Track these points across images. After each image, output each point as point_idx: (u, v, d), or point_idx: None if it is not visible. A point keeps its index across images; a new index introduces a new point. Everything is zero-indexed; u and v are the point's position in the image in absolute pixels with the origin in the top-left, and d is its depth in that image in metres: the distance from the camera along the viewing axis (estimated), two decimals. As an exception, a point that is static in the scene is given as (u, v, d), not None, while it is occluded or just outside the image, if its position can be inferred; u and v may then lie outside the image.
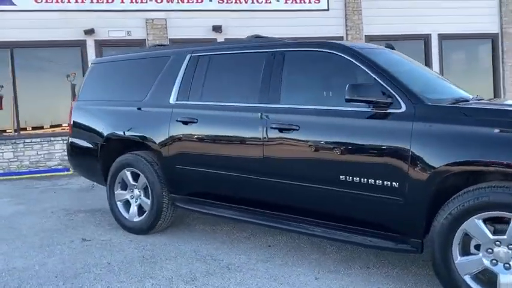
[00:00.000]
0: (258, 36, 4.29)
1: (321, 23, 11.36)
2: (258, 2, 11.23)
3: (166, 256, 4.02)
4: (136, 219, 4.64)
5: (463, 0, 12.10)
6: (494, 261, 2.77)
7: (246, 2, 11.17)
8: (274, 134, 3.62)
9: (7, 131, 10.15)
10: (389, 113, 3.16)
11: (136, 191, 4.66)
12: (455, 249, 2.85)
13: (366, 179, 3.20)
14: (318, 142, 3.42)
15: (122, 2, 10.45)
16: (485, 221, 2.76)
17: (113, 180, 4.77)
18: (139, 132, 4.56)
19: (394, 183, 3.07)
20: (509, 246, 2.71)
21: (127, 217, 4.71)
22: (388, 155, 3.09)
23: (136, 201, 4.66)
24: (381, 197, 3.15)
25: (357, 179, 3.23)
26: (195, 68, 4.29)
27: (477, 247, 2.82)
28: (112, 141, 4.80)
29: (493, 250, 2.76)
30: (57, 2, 10.03)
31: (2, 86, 10.01)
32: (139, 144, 4.66)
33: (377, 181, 3.15)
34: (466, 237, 2.85)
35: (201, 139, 4.11)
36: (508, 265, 2.73)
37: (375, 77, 3.27)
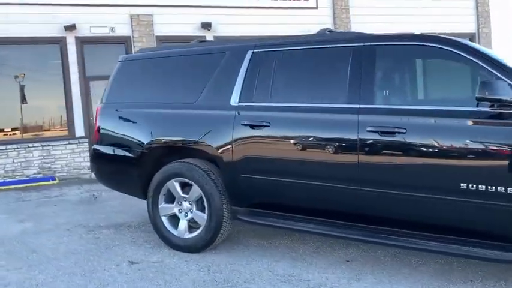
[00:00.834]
0: (330, 31, 3.91)
1: (310, 21, 11.10)
2: (247, -2, 10.82)
3: (241, 278, 3.55)
4: (188, 235, 4.12)
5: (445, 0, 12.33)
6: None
7: (235, -1, 10.73)
8: (372, 137, 3.26)
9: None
10: (516, 113, 2.89)
11: (186, 204, 4.13)
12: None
13: (491, 187, 2.91)
14: (430, 147, 3.09)
15: (106, -5, 9.68)
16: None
17: (156, 192, 4.21)
18: (193, 137, 4.05)
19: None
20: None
21: (175, 234, 4.17)
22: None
23: (186, 216, 4.14)
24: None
25: (482, 187, 2.94)
26: (260, 66, 3.84)
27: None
28: (156, 148, 4.25)
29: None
30: (34, -6, 9.11)
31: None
32: (190, 151, 4.15)
33: (506, 188, 2.87)
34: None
35: (275, 145, 3.67)
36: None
37: (497, 73, 2.98)
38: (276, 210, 3.79)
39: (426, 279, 3.41)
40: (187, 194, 4.10)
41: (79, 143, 9.49)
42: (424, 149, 3.10)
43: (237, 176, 3.82)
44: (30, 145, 9.21)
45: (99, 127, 4.63)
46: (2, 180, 8.66)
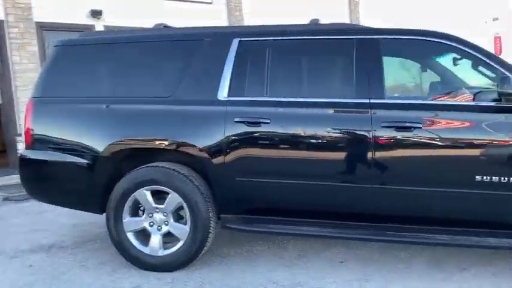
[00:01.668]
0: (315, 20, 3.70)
1: (204, 16, 10.79)
2: (142, -12, 10.02)
3: (248, 295, 3.15)
4: (164, 252, 3.53)
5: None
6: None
7: (129, -13, 9.83)
8: (388, 133, 3.16)
9: None
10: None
11: (159, 216, 3.53)
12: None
13: (504, 178, 3.04)
14: (448, 140, 3.10)
15: (-28, -30, 8.01)
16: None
17: (120, 205, 3.51)
18: (169, 137, 3.48)
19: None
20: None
21: (147, 252, 3.54)
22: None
23: (159, 229, 3.54)
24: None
25: (495, 178, 3.05)
26: (250, 57, 3.46)
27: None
28: (117, 152, 3.55)
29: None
30: None
31: None
32: (163, 154, 3.57)
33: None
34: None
35: (278, 143, 3.34)
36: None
37: (502, 70, 3.12)
38: (275, 215, 3.47)
39: (426, 270, 3.45)
40: (162, 204, 3.51)
41: None
42: (441, 144, 3.11)
43: (231, 179, 3.39)
44: None
45: (31, 128, 3.71)
46: None
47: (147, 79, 3.62)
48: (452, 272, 3.43)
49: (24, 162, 3.73)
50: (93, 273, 3.57)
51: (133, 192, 3.49)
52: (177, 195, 3.44)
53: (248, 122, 3.33)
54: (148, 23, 9.28)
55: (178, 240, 3.52)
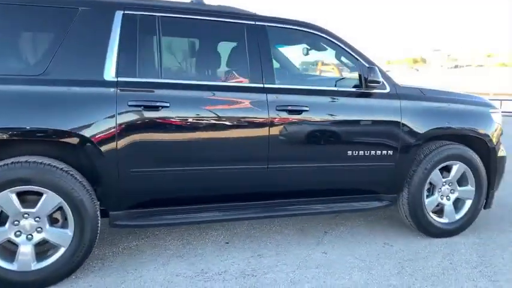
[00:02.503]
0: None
1: None
2: None
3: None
4: (40, 264, 2.91)
5: None
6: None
7: None
8: (282, 116, 3.34)
9: None
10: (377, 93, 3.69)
11: (29, 222, 2.87)
12: None
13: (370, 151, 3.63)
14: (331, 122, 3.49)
15: None
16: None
17: (-27, 214, 2.71)
18: (42, 125, 2.83)
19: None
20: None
21: (14, 268, 2.85)
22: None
23: (30, 239, 2.89)
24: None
25: (361, 152, 3.60)
26: (139, 34, 3.09)
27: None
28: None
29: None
30: None
31: None
32: (32, 145, 2.91)
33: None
34: None
35: (180, 128, 3.10)
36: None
37: (358, 58, 3.66)
38: (169, 205, 3.26)
39: (299, 238, 3.84)
40: (33, 207, 2.87)
41: None
42: (327, 124, 3.48)
43: (125, 171, 3.01)
44: None
45: None
46: None
47: (6, 52, 2.84)
48: (319, 236, 3.92)
49: None
50: None
51: (-8, 197, 2.74)
52: (56, 194, 2.87)
53: (145, 106, 3.01)
54: None
55: (56, 247, 2.94)
